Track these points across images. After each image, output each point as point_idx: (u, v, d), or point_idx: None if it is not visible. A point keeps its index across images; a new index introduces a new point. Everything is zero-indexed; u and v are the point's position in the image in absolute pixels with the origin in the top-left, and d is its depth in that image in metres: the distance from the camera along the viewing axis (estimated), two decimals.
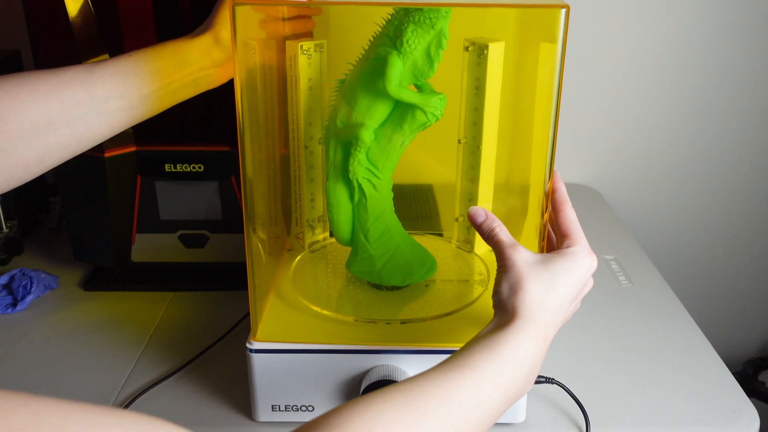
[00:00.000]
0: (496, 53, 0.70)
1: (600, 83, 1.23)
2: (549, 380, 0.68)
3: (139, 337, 0.81)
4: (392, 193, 0.69)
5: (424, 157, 1.28)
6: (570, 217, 0.58)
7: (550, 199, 0.60)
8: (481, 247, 0.79)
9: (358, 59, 0.65)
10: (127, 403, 0.70)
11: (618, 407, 0.69)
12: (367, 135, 0.64)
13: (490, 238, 0.57)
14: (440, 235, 0.85)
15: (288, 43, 0.71)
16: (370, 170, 0.66)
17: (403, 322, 0.65)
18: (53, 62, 0.83)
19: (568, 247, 0.56)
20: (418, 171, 1.28)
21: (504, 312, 0.52)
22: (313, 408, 0.65)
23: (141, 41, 0.83)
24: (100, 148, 0.82)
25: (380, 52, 0.61)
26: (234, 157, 0.84)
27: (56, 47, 0.81)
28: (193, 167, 0.85)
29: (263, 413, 0.65)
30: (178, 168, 0.85)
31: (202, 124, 0.86)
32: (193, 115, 0.86)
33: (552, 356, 0.76)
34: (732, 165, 1.29)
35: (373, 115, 0.63)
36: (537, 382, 0.68)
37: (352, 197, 0.68)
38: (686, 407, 0.69)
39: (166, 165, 0.84)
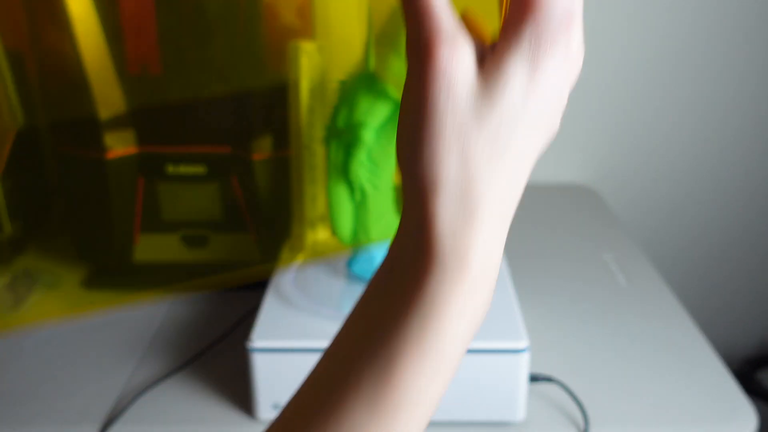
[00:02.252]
0: None
1: (598, 83, 1.23)
2: (549, 380, 0.69)
3: (140, 337, 0.81)
4: (394, 193, 0.70)
5: None
6: None
7: None
8: None
9: (358, 60, 0.65)
10: (127, 403, 0.70)
11: (618, 407, 0.69)
12: (367, 135, 0.64)
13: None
14: None
15: (289, 44, 0.71)
16: (371, 170, 0.66)
17: None
18: (54, 63, 0.83)
19: (501, 51, 0.29)
20: None
21: (411, 202, 0.29)
22: None
23: (143, 41, 0.83)
24: (102, 149, 0.82)
25: (381, 53, 0.62)
26: (235, 158, 0.85)
27: (57, 48, 0.81)
28: (195, 168, 0.85)
29: (264, 412, 0.66)
30: (180, 169, 0.85)
31: (203, 125, 0.86)
32: (194, 117, 0.86)
33: (552, 356, 0.76)
34: (731, 164, 1.29)
35: (374, 115, 0.64)
36: (537, 382, 0.69)
37: (353, 197, 0.69)
38: (684, 406, 0.69)
39: (168, 166, 0.85)
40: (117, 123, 0.83)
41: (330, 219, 0.71)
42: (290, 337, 0.64)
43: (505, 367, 0.63)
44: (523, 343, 0.63)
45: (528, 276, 0.93)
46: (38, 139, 1.10)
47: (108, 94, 0.82)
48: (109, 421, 0.68)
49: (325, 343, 0.63)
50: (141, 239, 0.89)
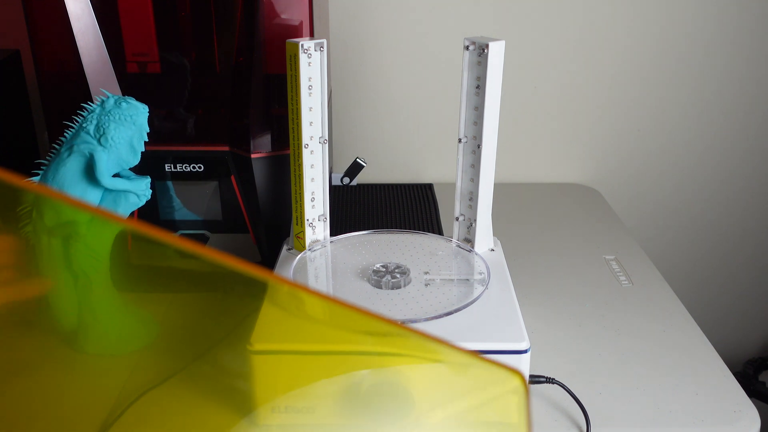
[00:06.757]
0: (496, 52, 0.70)
1: (599, 82, 1.23)
2: (549, 380, 0.68)
3: (138, 338, 0.81)
4: (109, 273, 0.72)
5: (424, 156, 1.28)
6: None
7: None
8: (481, 246, 0.79)
9: (48, 158, 0.69)
10: (127, 405, 0.70)
11: (618, 407, 0.69)
12: (85, 229, 0.67)
13: None
14: (440, 234, 0.85)
15: (288, 42, 0.71)
16: (91, 256, 0.69)
17: (403, 323, 0.65)
18: (53, 62, 0.83)
19: None
20: (418, 171, 1.28)
21: None
22: (314, 409, 0.65)
23: (141, 42, 0.83)
24: None
25: (83, 150, 0.67)
26: (234, 157, 0.84)
27: (56, 47, 0.81)
28: (193, 167, 0.85)
29: (263, 415, 0.65)
30: (178, 168, 0.85)
31: (201, 123, 0.86)
32: (192, 115, 0.86)
33: (552, 356, 0.76)
34: (732, 164, 1.29)
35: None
36: (537, 382, 0.68)
37: (76, 285, 0.71)
38: (686, 407, 0.69)
39: (165, 165, 0.84)
40: None
41: (53, 307, 0.72)
42: (290, 339, 0.63)
43: None
44: (524, 345, 0.62)
45: (529, 276, 0.93)
46: (35, 137, 1.09)
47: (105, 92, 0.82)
48: (107, 424, 0.67)
49: (324, 344, 0.63)
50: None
